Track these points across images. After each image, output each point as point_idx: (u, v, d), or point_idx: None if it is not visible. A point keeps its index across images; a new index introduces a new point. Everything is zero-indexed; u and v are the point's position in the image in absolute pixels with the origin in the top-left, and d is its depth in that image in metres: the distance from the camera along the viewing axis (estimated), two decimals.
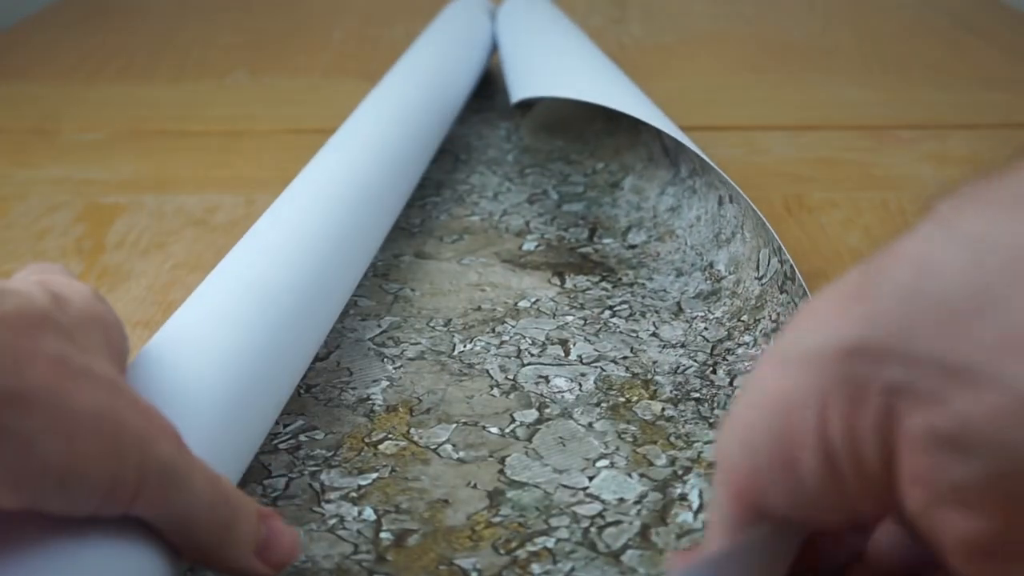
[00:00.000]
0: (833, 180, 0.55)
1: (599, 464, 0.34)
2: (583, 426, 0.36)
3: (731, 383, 0.38)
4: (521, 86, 0.56)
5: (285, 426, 0.36)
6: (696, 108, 0.65)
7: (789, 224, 0.50)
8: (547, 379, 0.39)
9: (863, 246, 0.47)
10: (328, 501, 0.32)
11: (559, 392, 0.38)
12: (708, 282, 0.45)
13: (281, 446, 0.35)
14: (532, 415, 0.37)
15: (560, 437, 0.36)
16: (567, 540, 0.31)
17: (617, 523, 0.32)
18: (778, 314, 0.40)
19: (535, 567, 0.30)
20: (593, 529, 0.31)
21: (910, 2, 0.92)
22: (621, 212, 0.52)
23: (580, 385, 0.38)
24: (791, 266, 0.40)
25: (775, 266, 0.42)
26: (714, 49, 0.80)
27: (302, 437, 0.35)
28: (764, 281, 0.42)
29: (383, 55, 0.72)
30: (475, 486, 0.33)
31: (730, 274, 0.44)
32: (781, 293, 0.41)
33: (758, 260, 0.43)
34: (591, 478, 0.34)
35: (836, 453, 0.21)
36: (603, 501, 0.33)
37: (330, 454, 0.34)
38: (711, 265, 0.46)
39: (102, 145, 0.62)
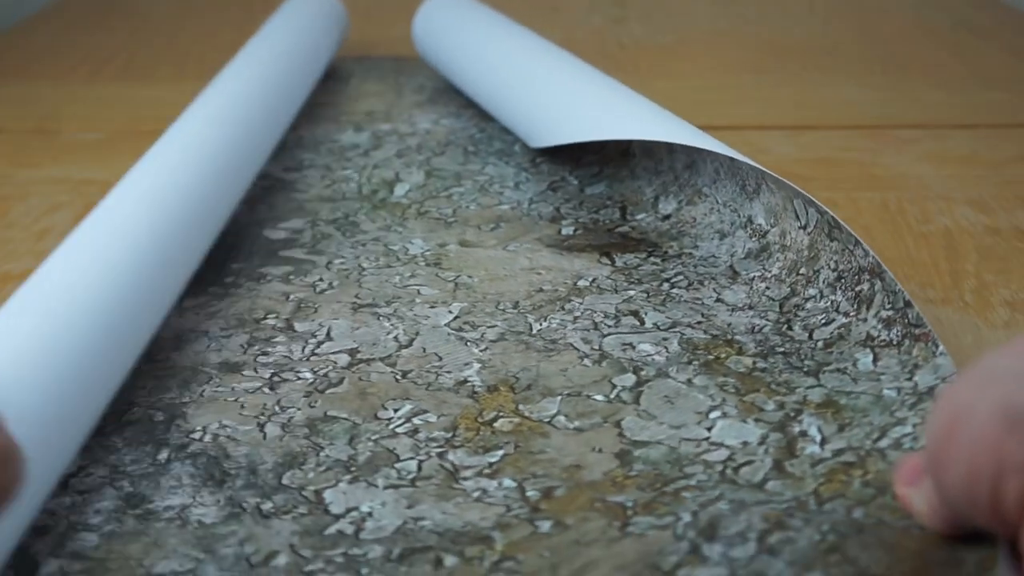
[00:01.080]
0: (833, 180, 0.56)
1: (712, 415, 0.36)
2: (683, 383, 0.37)
3: (810, 337, 0.40)
4: (540, 129, 0.56)
5: (395, 410, 0.36)
6: (696, 108, 0.65)
7: None
8: (632, 345, 0.40)
9: None
10: (465, 479, 0.33)
11: (648, 355, 0.39)
12: (754, 239, 0.46)
13: (399, 430, 0.35)
14: (630, 379, 0.38)
15: (665, 396, 0.37)
16: (707, 480, 0.32)
17: (749, 463, 0.33)
18: (836, 262, 0.42)
19: (686, 494, 0.31)
20: (728, 471, 0.33)
21: (910, 2, 0.93)
22: (643, 182, 0.53)
23: (666, 348, 0.40)
24: (833, 216, 0.41)
25: (815, 216, 0.43)
26: (714, 49, 0.81)
27: (416, 420, 0.36)
28: (810, 230, 0.43)
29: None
30: (600, 450, 0.34)
31: (772, 227, 0.46)
32: (832, 241, 0.42)
33: (795, 210, 0.44)
34: (709, 428, 0.35)
35: (979, 475, 0.22)
36: (728, 447, 0.34)
37: (449, 435, 0.35)
38: (750, 220, 0.47)
39: (102, 145, 0.62)
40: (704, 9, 0.93)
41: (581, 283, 0.45)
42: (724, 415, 0.35)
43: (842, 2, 0.94)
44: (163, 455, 0.34)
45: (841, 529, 0.29)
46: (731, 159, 0.47)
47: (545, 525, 0.30)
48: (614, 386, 0.37)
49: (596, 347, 0.40)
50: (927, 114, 0.65)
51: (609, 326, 0.41)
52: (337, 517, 0.31)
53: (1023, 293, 0.44)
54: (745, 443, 0.34)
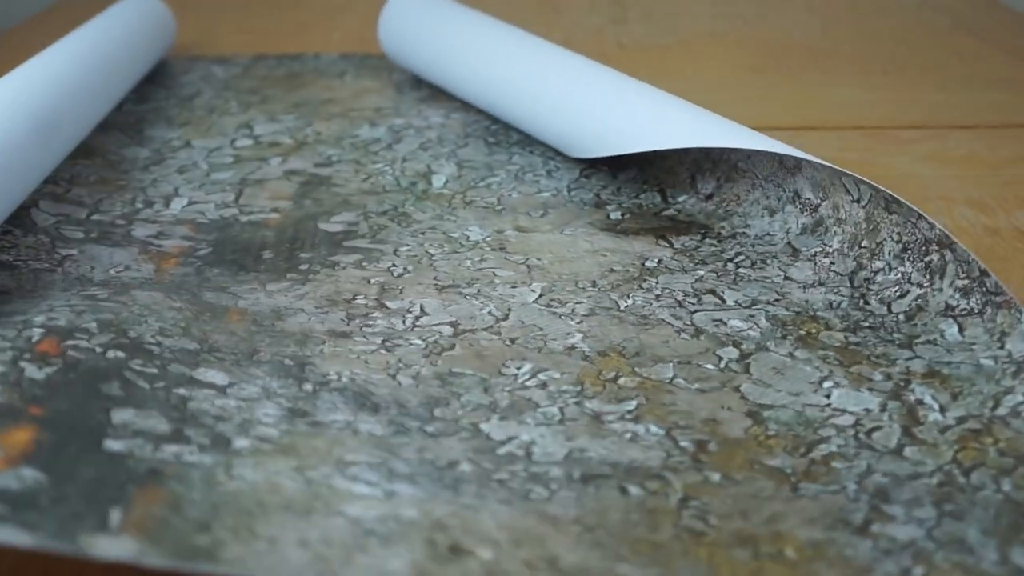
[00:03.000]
0: None
1: (826, 385, 0.38)
2: (786, 356, 0.40)
3: (889, 310, 0.43)
4: (580, 140, 0.56)
5: (518, 368, 0.39)
6: None
7: None
8: (723, 322, 0.43)
9: None
10: (610, 422, 0.35)
11: (741, 331, 0.42)
12: (806, 214, 0.49)
13: (529, 384, 0.38)
14: (733, 352, 0.41)
15: (773, 367, 0.39)
16: (846, 445, 0.35)
17: (879, 428, 0.36)
18: (899, 234, 0.44)
19: (836, 463, 0.34)
20: (862, 435, 0.35)
21: (910, 3, 0.96)
22: (674, 161, 0.56)
23: (756, 324, 0.42)
24: (889, 192, 0.43)
25: (868, 191, 0.45)
26: (714, 49, 0.83)
27: (541, 376, 0.38)
28: (864, 204, 0.46)
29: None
30: (730, 409, 0.37)
31: (822, 200, 0.48)
32: (890, 214, 0.44)
33: (844, 186, 0.47)
34: (827, 396, 0.38)
35: None
36: (852, 412, 0.36)
37: (578, 388, 0.38)
38: (797, 194, 0.49)
39: None
40: (704, 9, 0.96)
41: (649, 263, 0.48)
42: (836, 384, 0.38)
43: (842, 3, 0.97)
44: (308, 387, 0.36)
45: (1009, 512, 0.31)
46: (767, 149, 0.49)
47: (715, 476, 0.33)
48: (720, 358, 0.40)
49: (688, 323, 0.43)
50: (927, 115, 0.68)
51: (692, 303, 0.44)
52: (502, 443, 0.34)
53: (1023, 293, 0.46)
54: (867, 410, 0.37)
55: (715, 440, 0.35)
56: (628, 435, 0.35)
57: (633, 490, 0.32)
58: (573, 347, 0.41)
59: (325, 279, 0.46)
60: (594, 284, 0.46)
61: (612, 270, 0.47)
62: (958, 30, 0.87)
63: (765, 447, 0.35)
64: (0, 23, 0.92)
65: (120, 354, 0.36)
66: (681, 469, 0.33)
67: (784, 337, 0.41)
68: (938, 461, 0.34)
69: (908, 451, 0.35)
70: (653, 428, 0.35)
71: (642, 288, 0.46)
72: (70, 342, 0.36)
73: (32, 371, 0.33)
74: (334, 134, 0.64)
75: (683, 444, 0.34)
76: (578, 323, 0.43)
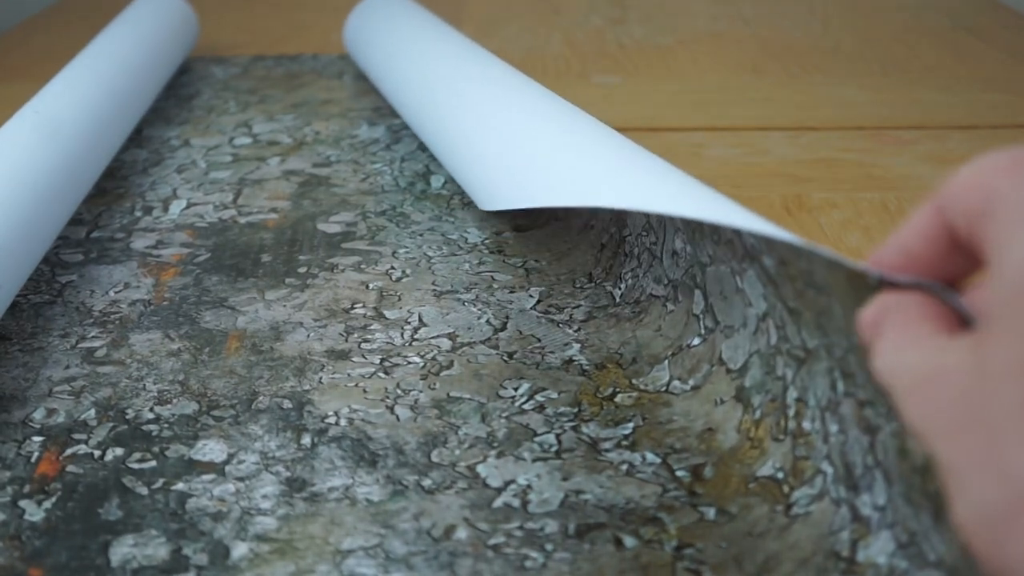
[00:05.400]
0: (833, 181, 0.56)
1: (755, 294, 0.35)
2: (727, 272, 0.37)
3: None
4: (497, 187, 0.46)
5: (515, 389, 0.37)
6: (696, 108, 0.67)
7: (789, 225, 0.50)
8: (680, 254, 0.40)
9: (863, 247, 0.48)
10: (607, 451, 0.34)
11: (696, 258, 0.39)
12: None
13: (526, 407, 0.36)
14: (701, 300, 0.38)
15: (723, 295, 0.37)
16: (794, 374, 0.32)
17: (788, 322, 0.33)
18: None
19: (805, 424, 0.32)
20: (783, 348, 0.33)
21: (910, 3, 0.94)
22: None
23: (697, 233, 0.39)
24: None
25: None
26: (714, 50, 0.82)
27: (538, 397, 0.37)
28: None
29: None
30: (721, 400, 0.35)
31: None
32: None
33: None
34: (750, 305, 0.35)
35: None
36: (763, 305, 0.34)
37: (575, 410, 0.36)
38: None
39: None
40: (704, 10, 0.94)
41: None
42: (762, 274, 0.35)
43: (842, 3, 0.95)
44: (306, 440, 0.34)
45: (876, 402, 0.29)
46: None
47: (710, 512, 0.31)
48: (698, 319, 0.38)
49: (666, 282, 0.41)
50: (927, 115, 0.66)
51: (661, 250, 0.42)
52: (499, 491, 0.32)
53: None
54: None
55: (711, 459, 0.33)
56: (625, 466, 0.33)
57: (628, 540, 0.30)
58: (571, 360, 0.39)
59: (324, 284, 0.45)
60: (590, 278, 0.44)
61: (603, 246, 0.45)
62: (958, 30, 0.85)
63: (756, 444, 0.33)
64: (4, 22, 0.90)
65: (119, 451, 0.34)
66: (677, 508, 0.31)
67: (718, 243, 0.38)
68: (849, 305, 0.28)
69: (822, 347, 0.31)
70: (650, 456, 0.34)
71: (629, 256, 0.44)
72: (69, 451, 0.35)
73: (31, 510, 0.32)
74: (333, 134, 0.62)
75: (680, 473, 0.33)
76: (576, 330, 0.41)
